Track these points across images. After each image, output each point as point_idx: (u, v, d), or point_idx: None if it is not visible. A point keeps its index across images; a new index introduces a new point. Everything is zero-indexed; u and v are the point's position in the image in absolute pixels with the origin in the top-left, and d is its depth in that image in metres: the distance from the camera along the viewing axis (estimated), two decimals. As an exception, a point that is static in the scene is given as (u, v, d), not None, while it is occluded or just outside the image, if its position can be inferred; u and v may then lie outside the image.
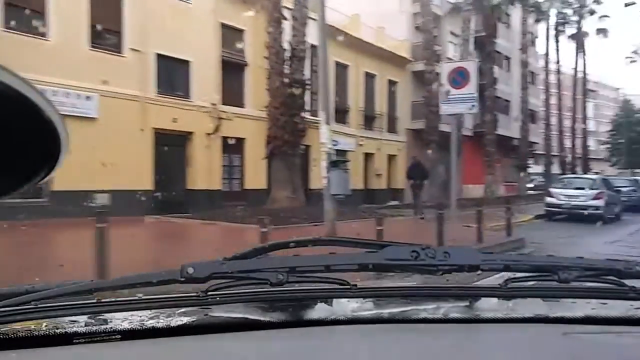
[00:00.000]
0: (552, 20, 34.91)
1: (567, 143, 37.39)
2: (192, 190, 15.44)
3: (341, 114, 21.50)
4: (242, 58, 16.99)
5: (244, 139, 16.91)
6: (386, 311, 1.03)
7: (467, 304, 1.05)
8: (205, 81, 15.54)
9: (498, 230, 11.43)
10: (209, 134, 15.64)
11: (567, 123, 37.65)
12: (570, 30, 36.50)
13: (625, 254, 9.21)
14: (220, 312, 0.98)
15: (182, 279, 0.93)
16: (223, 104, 16.09)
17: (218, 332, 0.94)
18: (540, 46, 36.19)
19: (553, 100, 35.73)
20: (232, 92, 16.51)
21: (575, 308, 1.04)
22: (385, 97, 24.01)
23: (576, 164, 36.36)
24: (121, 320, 0.94)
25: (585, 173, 30.18)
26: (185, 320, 0.95)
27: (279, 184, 13.83)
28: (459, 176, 21.71)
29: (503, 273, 1.06)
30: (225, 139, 16.23)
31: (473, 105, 9.73)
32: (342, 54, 20.81)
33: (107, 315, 0.94)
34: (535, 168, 35.33)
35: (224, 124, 16.09)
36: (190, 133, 15.35)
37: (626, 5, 27.33)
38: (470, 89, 9.59)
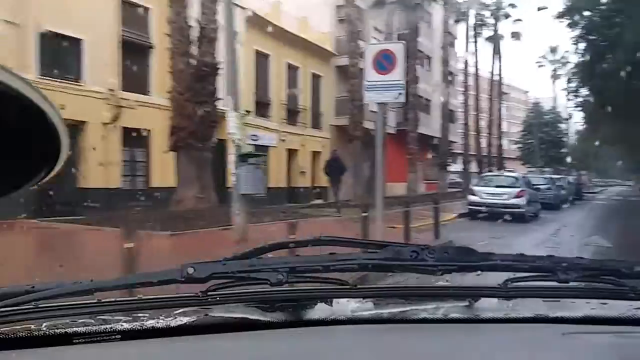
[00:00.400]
0: (472, 22, 35.36)
1: (483, 143, 38.18)
2: (86, 188, 13.10)
3: (262, 107, 19.92)
4: (146, 39, 14.92)
5: (149, 130, 14.70)
6: (386, 311, 1.05)
7: (467, 304, 1.08)
8: (101, 63, 13.45)
9: (424, 231, 10.47)
10: (105, 123, 13.41)
11: (482, 123, 38.39)
12: (488, 32, 37.20)
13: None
14: (220, 312, 0.99)
15: (182, 279, 0.94)
16: (123, 90, 13.87)
17: (218, 332, 0.96)
18: (459, 48, 36.59)
19: (470, 101, 36.25)
20: (134, 77, 14.48)
21: (575, 308, 1.06)
22: (309, 91, 22.85)
23: (492, 163, 37.26)
24: (121, 320, 0.94)
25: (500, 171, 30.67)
26: (185, 320, 0.96)
27: (185, 182, 11.96)
28: (384, 174, 20.78)
29: (503, 273, 1.06)
30: (126, 130, 13.95)
31: (400, 94, 8.49)
32: (262, 42, 19.18)
33: (107, 315, 0.94)
34: (454, 167, 35.81)
35: (125, 113, 13.92)
36: (83, 122, 13.12)
37: (539, 9, 27.93)
38: (398, 74, 8.32)
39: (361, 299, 1.04)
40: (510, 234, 12.06)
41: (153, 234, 9.07)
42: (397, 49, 8.35)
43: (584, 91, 29.45)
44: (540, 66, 50.68)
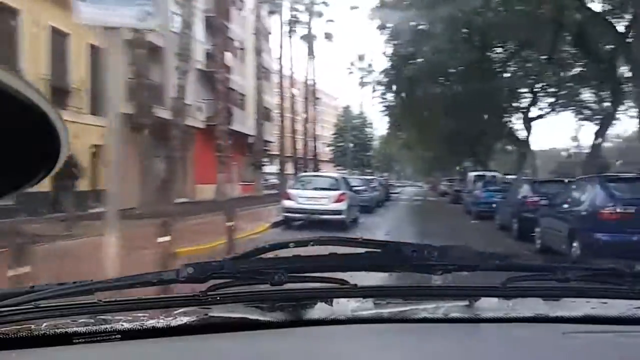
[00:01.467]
0: (286, 18, 33.05)
1: (298, 144, 36.55)
2: None
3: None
4: None
5: None
6: (386, 311, 1.03)
7: (467, 303, 1.06)
8: None
9: (213, 256, 6.14)
10: None
11: (297, 126, 36.68)
12: (302, 31, 35.43)
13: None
14: (219, 312, 0.97)
15: (182, 279, 0.92)
16: None
17: (218, 332, 0.94)
18: (274, 45, 34.22)
19: (286, 103, 34.11)
20: None
21: (575, 307, 1.05)
22: (86, 66, 16.94)
23: (308, 165, 35.71)
24: (121, 320, 0.92)
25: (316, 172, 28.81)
26: (185, 320, 0.93)
27: None
28: (190, 173, 16.49)
29: (503, 272, 1.04)
30: None
31: (149, 14, 4.37)
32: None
33: (107, 315, 0.93)
34: (270, 168, 33.25)
35: None
36: None
37: (352, 8, 26.80)
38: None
39: (361, 299, 1.04)
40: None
41: None
42: None
43: (390, 96, 29.17)
44: (350, 73, 52.07)
